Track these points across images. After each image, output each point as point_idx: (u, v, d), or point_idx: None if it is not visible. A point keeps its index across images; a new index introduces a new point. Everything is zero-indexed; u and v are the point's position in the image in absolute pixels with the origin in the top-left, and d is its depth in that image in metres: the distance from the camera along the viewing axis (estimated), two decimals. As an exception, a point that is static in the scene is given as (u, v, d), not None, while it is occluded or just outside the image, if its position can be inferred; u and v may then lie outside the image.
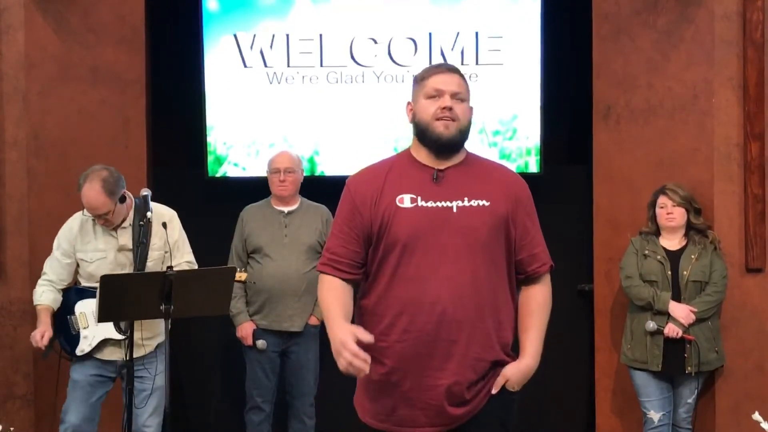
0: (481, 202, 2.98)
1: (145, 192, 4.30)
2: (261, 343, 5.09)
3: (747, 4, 5.12)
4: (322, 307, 3.04)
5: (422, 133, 3.03)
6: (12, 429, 4.43)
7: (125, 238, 4.40)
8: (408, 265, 2.94)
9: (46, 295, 4.45)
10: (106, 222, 4.38)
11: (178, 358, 5.51)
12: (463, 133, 3.02)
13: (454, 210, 2.96)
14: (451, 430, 2.98)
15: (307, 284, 5.06)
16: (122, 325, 4.36)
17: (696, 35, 5.24)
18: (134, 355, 4.29)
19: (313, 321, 5.12)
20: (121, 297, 3.95)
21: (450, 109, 2.98)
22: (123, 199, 4.36)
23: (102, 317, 4.08)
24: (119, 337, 4.38)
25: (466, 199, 2.98)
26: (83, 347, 4.41)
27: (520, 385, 3.03)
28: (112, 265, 4.38)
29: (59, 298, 4.47)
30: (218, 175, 5.59)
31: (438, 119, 2.98)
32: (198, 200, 5.76)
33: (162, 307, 3.91)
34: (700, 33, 5.23)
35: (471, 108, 3.09)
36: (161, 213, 4.44)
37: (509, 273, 3.05)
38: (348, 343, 2.78)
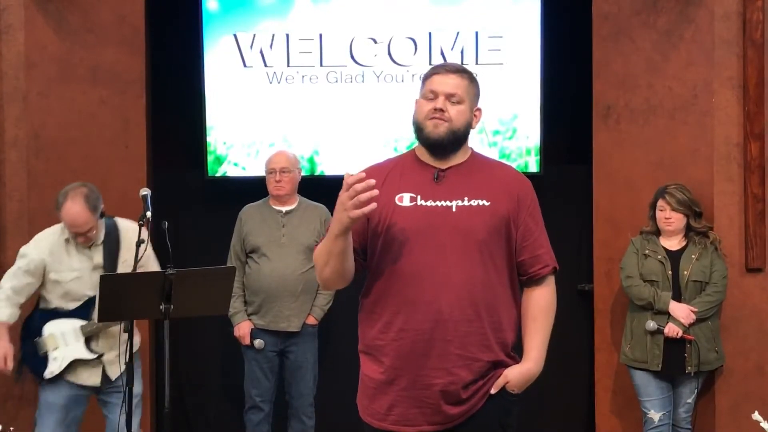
0: (481, 202, 2.97)
1: (145, 192, 4.25)
2: (258, 343, 5.08)
3: (747, 4, 5.13)
4: (317, 252, 3.00)
5: (417, 133, 3.03)
6: (12, 429, 4.42)
7: (99, 256, 4.34)
8: (405, 264, 2.93)
9: (3, 311, 4.28)
10: (86, 239, 4.29)
11: (178, 358, 5.52)
12: (455, 134, 2.99)
13: (454, 209, 2.95)
14: (448, 429, 2.97)
15: (304, 284, 5.05)
16: (92, 345, 4.33)
17: (696, 35, 5.24)
18: (111, 376, 4.36)
19: (311, 321, 5.11)
20: (121, 297, 3.94)
21: (441, 110, 2.97)
22: (102, 215, 4.30)
23: (102, 317, 4.07)
24: (90, 357, 4.35)
25: (466, 198, 2.97)
26: (53, 369, 4.34)
27: (521, 388, 3.02)
28: (88, 284, 4.32)
29: (17, 313, 4.33)
30: (218, 175, 5.58)
31: (429, 119, 2.98)
32: (198, 200, 5.76)
33: (162, 307, 3.91)
34: (700, 33, 5.23)
35: (477, 110, 3.06)
36: (134, 229, 4.30)
37: (511, 274, 3.03)
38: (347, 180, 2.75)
